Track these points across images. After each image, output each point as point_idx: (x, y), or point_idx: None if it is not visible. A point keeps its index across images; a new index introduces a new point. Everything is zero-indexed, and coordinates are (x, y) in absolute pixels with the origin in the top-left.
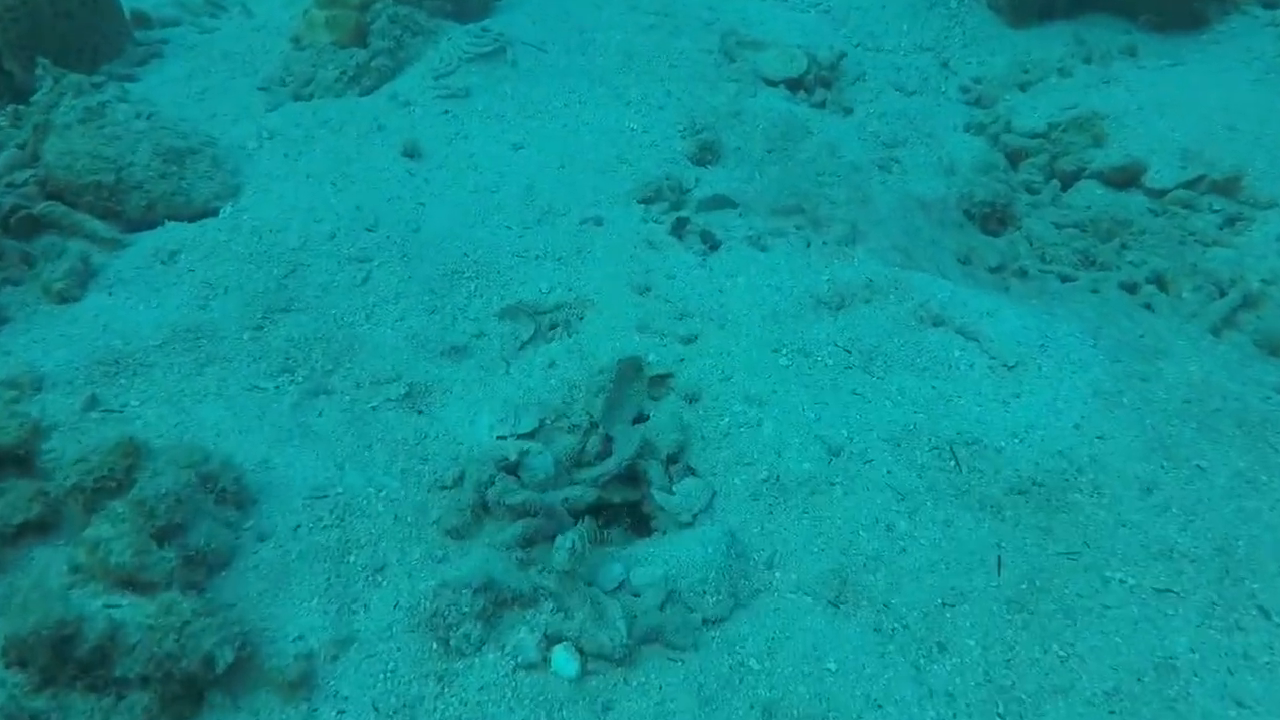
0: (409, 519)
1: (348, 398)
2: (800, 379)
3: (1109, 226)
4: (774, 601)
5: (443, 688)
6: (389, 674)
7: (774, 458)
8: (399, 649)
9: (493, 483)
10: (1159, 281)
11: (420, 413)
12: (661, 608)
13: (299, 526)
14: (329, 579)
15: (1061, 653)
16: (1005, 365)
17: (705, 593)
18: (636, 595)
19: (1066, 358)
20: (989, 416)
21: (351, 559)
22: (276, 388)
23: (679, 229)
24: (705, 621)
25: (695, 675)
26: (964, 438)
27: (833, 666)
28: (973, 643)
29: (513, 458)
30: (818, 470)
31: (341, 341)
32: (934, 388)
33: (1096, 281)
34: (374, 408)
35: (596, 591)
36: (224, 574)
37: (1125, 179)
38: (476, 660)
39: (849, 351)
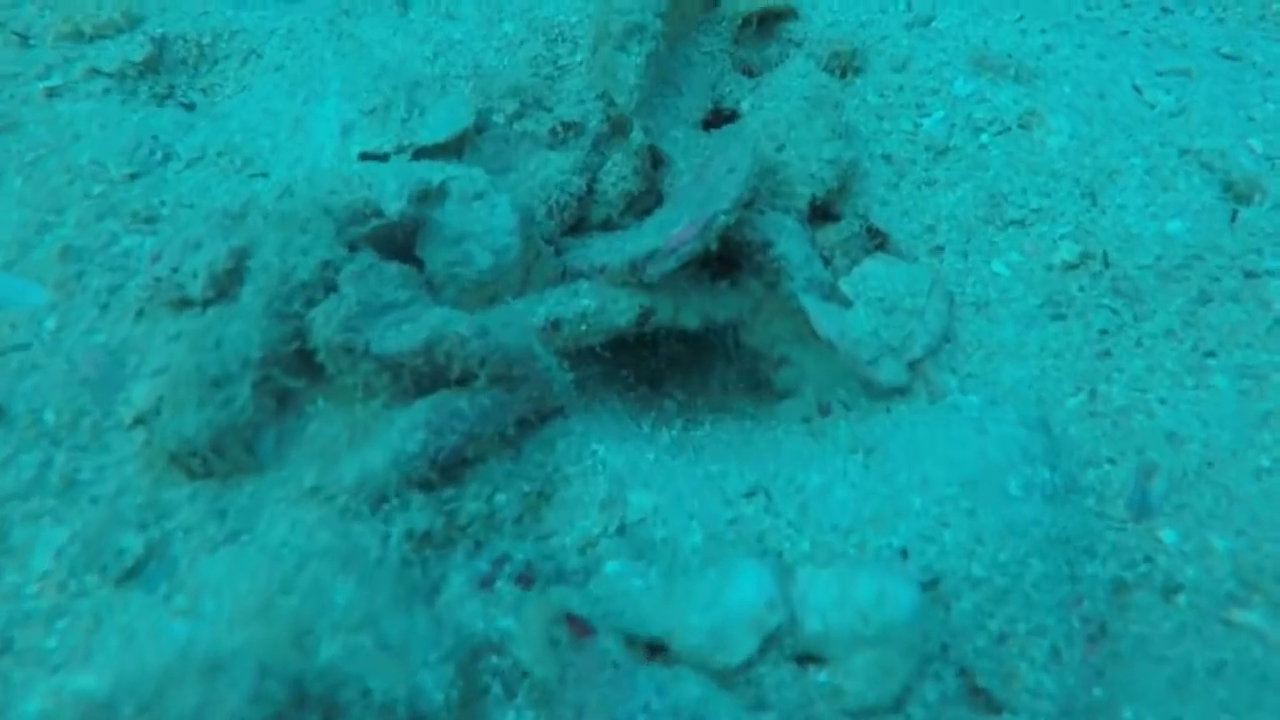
0: (77, 406)
1: None
2: (1092, 26)
3: None
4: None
5: None
6: None
7: (1084, 208)
8: None
9: (329, 269)
10: None
11: (187, 107)
12: None
13: None
14: None
15: None
16: None
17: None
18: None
19: None
20: None
21: None
22: None
23: None
24: None
25: None
26: None
27: None
28: None
29: (399, 206)
30: (1201, 234)
31: None
32: None
33: None
34: (50, 92)
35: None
36: None
37: None
38: None
39: None
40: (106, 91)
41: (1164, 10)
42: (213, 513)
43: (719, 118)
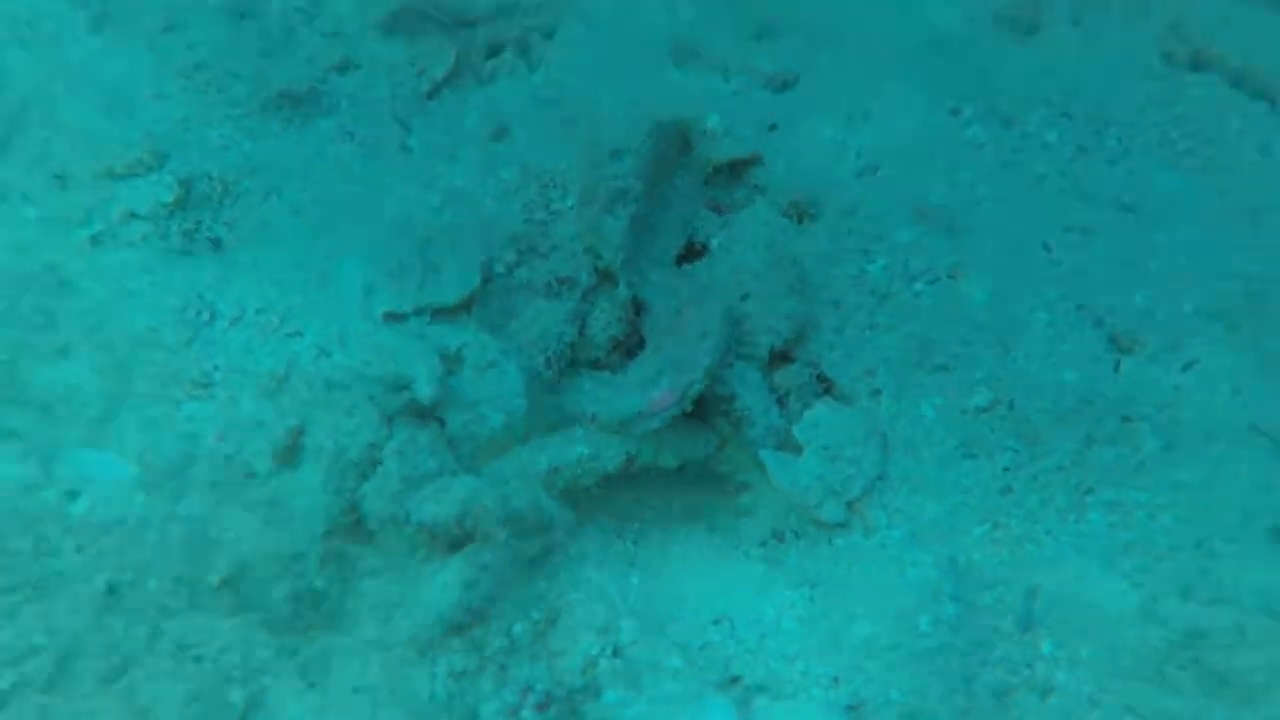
0: (174, 574)
1: None
2: (1016, 173)
3: None
4: None
5: None
6: None
7: (998, 356)
8: None
9: (374, 448)
10: None
11: (213, 242)
12: None
13: None
14: None
15: None
16: None
17: None
18: None
19: None
20: None
21: None
22: None
23: None
24: None
25: None
26: None
27: None
28: None
29: (430, 392)
30: (1089, 382)
31: None
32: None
33: None
34: (94, 240)
35: None
36: None
37: None
38: None
39: (1068, 115)
40: (145, 238)
41: (1079, 150)
42: (296, 666)
43: (691, 251)
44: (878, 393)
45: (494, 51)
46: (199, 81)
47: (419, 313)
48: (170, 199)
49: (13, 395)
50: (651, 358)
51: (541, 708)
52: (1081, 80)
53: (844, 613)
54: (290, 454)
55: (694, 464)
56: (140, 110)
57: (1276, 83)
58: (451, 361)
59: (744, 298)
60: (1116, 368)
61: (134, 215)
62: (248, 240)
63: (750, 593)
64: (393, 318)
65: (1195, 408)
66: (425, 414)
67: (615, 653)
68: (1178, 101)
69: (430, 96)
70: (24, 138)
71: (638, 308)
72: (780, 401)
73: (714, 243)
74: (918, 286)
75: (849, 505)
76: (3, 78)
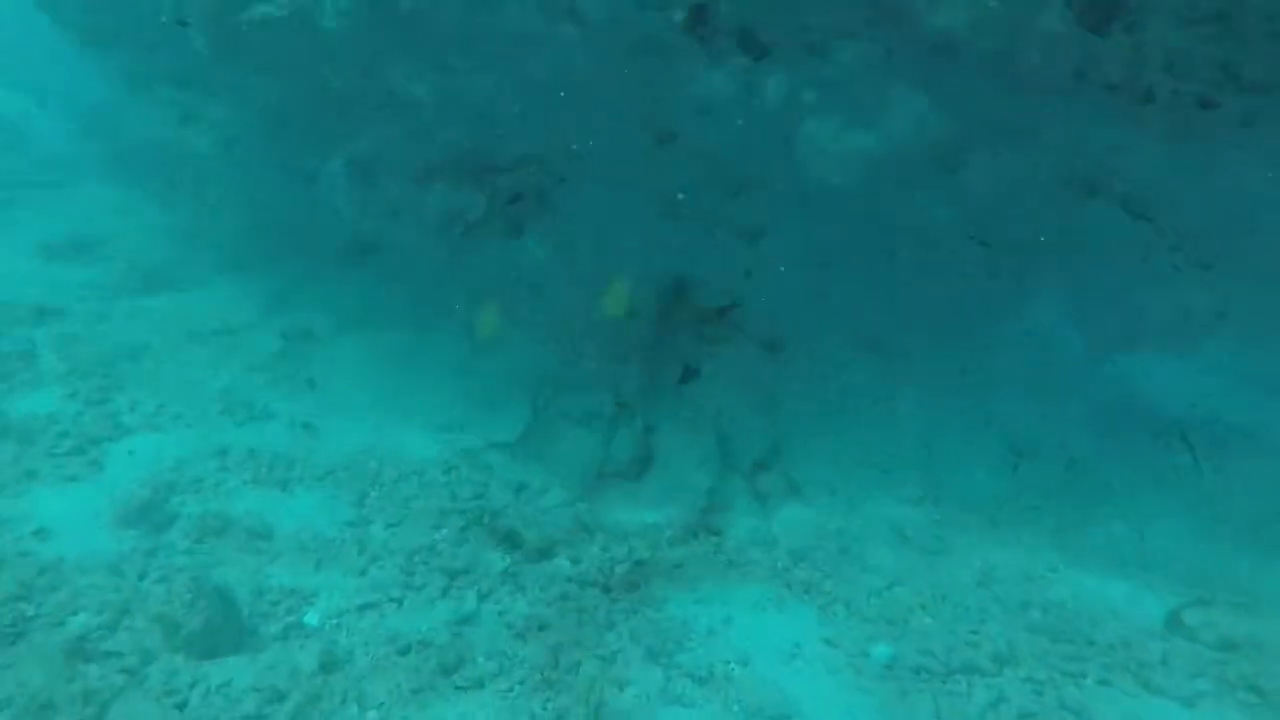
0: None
1: None
2: (935, 298)
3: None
4: None
5: None
6: None
7: (926, 466)
8: None
9: (466, 568)
10: None
11: (310, 383)
12: None
13: None
14: None
15: None
16: (1201, 264)
17: None
18: None
19: None
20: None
21: None
22: None
23: (698, 23)
24: None
25: None
26: None
27: None
28: None
29: (499, 515)
30: (997, 479)
31: None
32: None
33: (1251, 113)
34: (223, 404)
35: None
36: None
37: None
38: None
39: (985, 244)
40: (261, 386)
41: (991, 275)
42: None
43: (687, 374)
44: (834, 493)
45: (516, 198)
46: (289, 244)
47: (487, 448)
48: (276, 350)
49: (218, 529)
50: (661, 474)
51: None
52: (995, 208)
53: (811, 669)
54: (410, 569)
55: (698, 555)
56: (249, 272)
57: (1157, 203)
58: (515, 489)
59: (730, 421)
60: (1015, 468)
61: (253, 367)
62: (336, 382)
63: (737, 653)
64: (467, 454)
65: (1076, 501)
66: (498, 531)
67: (637, 693)
68: (1073, 223)
69: (466, 236)
70: (167, 303)
71: (651, 432)
72: (759, 499)
73: (705, 368)
74: (863, 404)
75: (813, 584)
76: (145, 241)
